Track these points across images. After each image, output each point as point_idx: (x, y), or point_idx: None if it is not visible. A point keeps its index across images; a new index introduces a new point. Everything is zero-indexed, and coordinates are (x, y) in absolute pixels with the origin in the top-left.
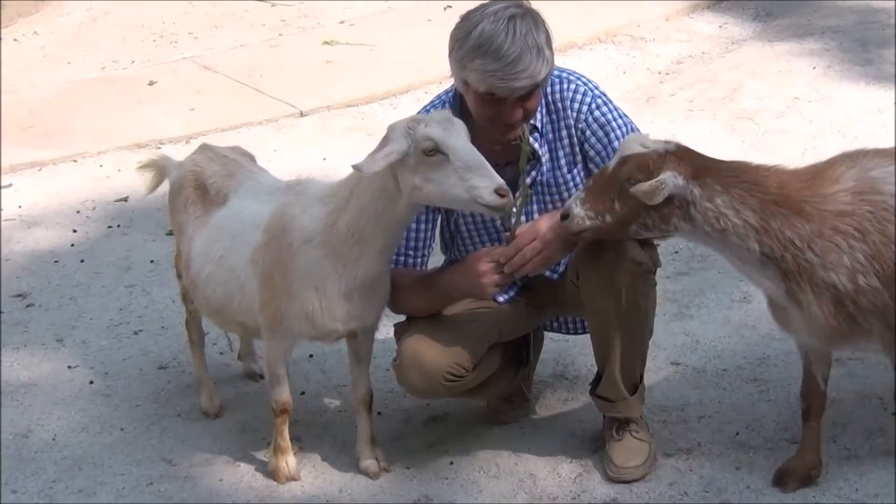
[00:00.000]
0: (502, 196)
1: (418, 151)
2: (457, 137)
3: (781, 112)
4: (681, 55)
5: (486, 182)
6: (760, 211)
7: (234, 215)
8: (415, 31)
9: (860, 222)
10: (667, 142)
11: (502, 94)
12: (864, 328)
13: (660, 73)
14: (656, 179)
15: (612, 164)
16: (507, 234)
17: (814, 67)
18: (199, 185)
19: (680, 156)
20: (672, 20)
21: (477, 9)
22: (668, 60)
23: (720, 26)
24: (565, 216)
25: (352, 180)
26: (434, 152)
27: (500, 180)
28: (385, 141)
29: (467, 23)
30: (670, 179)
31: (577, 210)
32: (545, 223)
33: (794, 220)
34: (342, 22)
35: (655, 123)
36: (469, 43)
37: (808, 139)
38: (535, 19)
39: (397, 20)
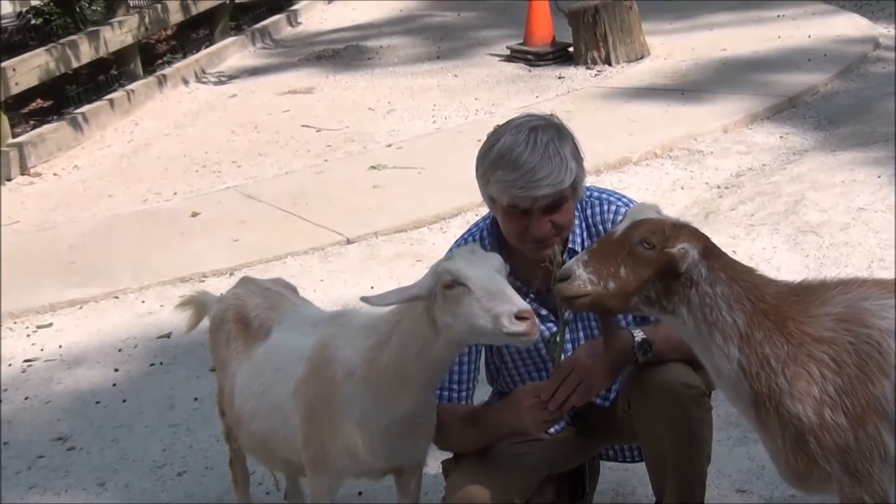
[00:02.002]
0: (524, 319)
1: (441, 288)
2: (477, 267)
3: (846, 224)
4: (740, 168)
5: (506, 307)
6: (750, 317)
7: (277, 348)
8: (464, 152)
9: (838, 353)
10: (680, 220)
11: (525, 206)
12: (823, 470)
13: (719, 187)
14: (682, 247)
15: (620, 227)
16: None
17: (879, 176)
18: (241, 318)
19: (693, 231)
20: (730, 132)
21: (503, 124)
22: (727, 174)
23: (780, 136)
24: (564, 278)
25: (393, 316)
26: (454, 285)
27: (521, 304)
28: None
29: (491, 138)
30: (690, 251)
31: (580, 272)
32: (584, 351)
33: (776, 338)
34: (389, 145)
35: (715, 239)
36: (490, 156)
37: (874, 251)
38: (559, 131)
39: (445, 142)
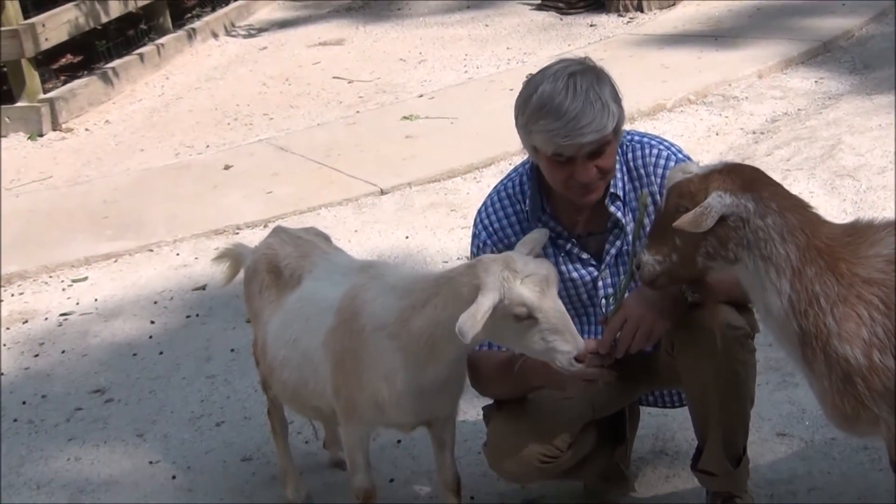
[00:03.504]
0: (580, 362)
1: (508, 311)
2: (550, 298)
3: (883, 167)
4: (775, 113)
5: (567, 347)
6: (804, 251)
7: (308, 297)
8: (496, 101)
9: (888, 294)
10: (717, 163)
11: (570, 153)
12: (871, 412)
13: (754, 132)
14: (700, 205)
15: (663, 201)
16: (603, 319)
17: None
18: (273, 268)
19: (727, 171)
20: (765, 77)
21: (538, 72)
22: (762, 119)
23: (816, 81)
24: (638, 268)
25: (430, 285)
26: (526, 317)
27: (581, 346)
28: (475, 276)
29: (529, 87)
30: (715, 200)
31: (646, 258)
32: (632, 300)
33: (827, 277)
34: (421, 96)
35: None
36: (531, 106)
37: None
38: (597, 75)
39: (477, 91)
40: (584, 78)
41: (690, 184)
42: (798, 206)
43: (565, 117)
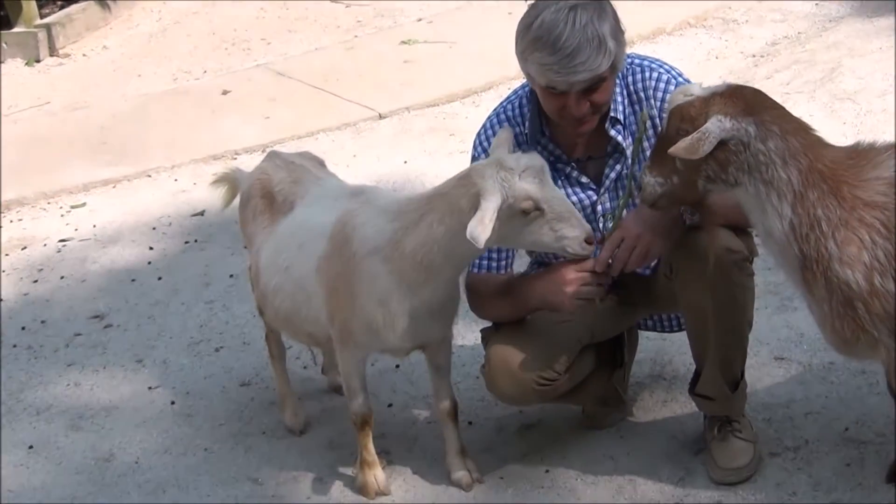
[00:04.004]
0: (590, 244)
1: (515, 209)
2: (551, 187)
3: (883, 91)
4: (775, 36)
5: (575, 232)
6: (806, 174)
7: (300, 223)
8: (495, 25)
9: (889, 217)
10: (720, 85)
11: (562, 88)
12: (871, 336)
13: (754, 55)
14: (698, 130)
15: (664, 123)
16: (600, 239)
17: None
18: (267, 193)
19: (729, 94)
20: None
21: None
22: (762, 42)
23: (816, 3)
24: (639, 189)
25: (422, 204)
26: (532, 210)
27: (588, 230)
28: (471, 185)
29: (531, 13)
30: (714, 125)
31: (648, 179)
32: (631, 220)
33: (829, 200)
34: (419, 20)
35: None
36: (529, 35)
37: None
38: (600, 8)
39: (476, 15)
40: (585, 11)
41: (691, 107)
42: (801, 129)
43: (559, 53)
